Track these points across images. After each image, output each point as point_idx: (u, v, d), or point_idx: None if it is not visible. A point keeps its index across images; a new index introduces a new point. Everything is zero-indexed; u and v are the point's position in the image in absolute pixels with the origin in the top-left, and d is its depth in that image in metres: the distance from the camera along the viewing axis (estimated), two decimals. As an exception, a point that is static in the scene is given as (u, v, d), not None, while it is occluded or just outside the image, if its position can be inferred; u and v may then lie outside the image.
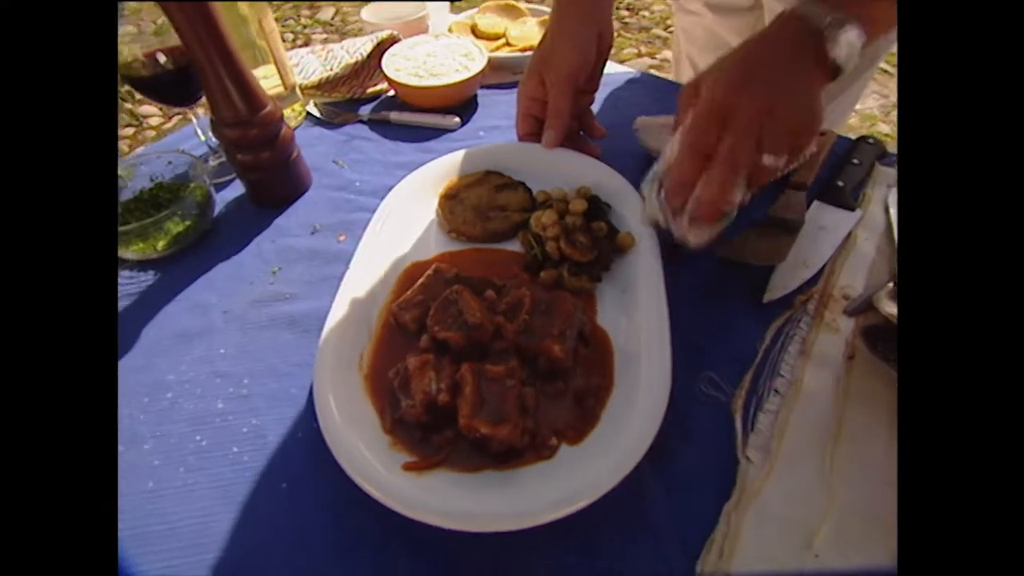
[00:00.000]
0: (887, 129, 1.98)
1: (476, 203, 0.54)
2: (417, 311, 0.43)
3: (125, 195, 0.58)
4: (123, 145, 2.11)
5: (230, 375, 0.44)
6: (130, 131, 2.25)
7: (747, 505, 0.33)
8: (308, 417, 0.40)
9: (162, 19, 0.51)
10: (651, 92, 0.74)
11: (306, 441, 0.39)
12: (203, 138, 0.64)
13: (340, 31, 3.08)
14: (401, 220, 0.53)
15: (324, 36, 3.04)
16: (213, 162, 0.64)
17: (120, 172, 0.59)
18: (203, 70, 0.48)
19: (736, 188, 0.37)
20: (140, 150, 0.68)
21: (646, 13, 2.96)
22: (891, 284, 0.46)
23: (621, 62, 2.66)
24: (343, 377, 0.39)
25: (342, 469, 0.34)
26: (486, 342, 0.41)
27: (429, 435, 0.36)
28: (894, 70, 2.24)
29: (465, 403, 0.36)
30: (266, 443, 0.39)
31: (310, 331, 0.46)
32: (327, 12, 3.28)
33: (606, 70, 0.59)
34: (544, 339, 0.39)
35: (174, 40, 0.53)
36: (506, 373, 0.37)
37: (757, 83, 0.37)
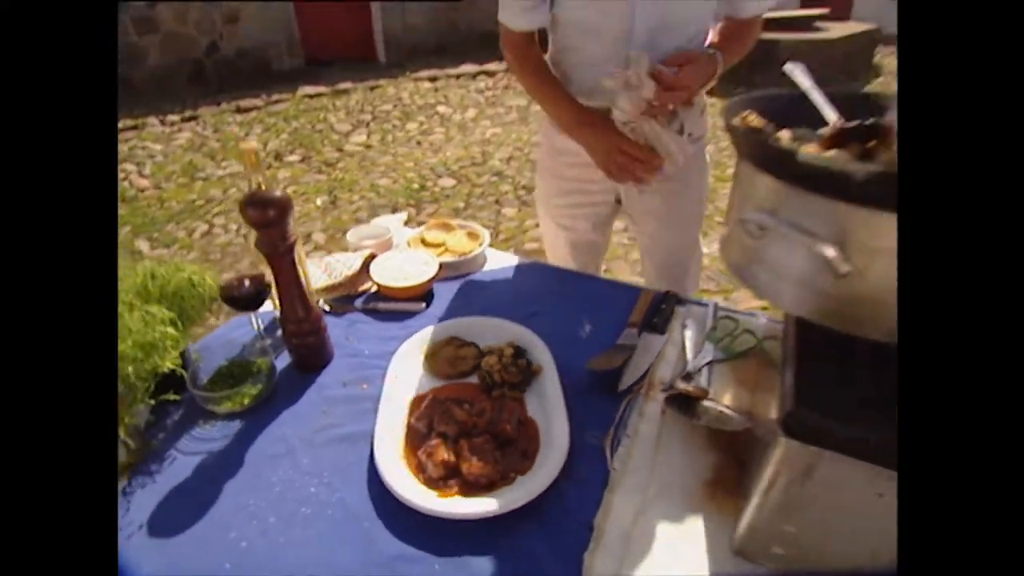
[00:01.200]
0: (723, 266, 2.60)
1: (447, 357, 0.89)
2: (426, 420, 0.75)
3: (206, 371, 0.86)
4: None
5: (314, 473, 0.72)
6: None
7: (615, 488, 0.66)
8: (373, 487, 0.69)
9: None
10: (547, 274, 1.16)
11: (373, 500, 0.67)
12: (255, 327, 0.95)
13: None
14: (402, 372, 0.86)
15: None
16: (261, 344, 0.95)
17: (194, 355, 0.88)
18: (282, 293, 0.83)
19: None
20: (203, 340, 0.97)
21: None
22: (683, 373, 0.84)
23: (524, 232, 3.20)
24: (392, 459, 0.69)
25: (402, 507, 0.63)
26: (469, 430, 0.73)
27: (446, 481, 0.67)
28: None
29: (465, 460, 0.67)
30: (348, 505, 0.67)
31: (358, 443, 0.75)
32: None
33: (502, 263, 1.00)
34: (500, 424, 0.72)
35: (252, 270, 0.88)
36: (484, 443, 0.69)
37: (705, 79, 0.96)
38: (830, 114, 0.67)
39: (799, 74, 0.79)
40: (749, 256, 0.60)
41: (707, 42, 1.08)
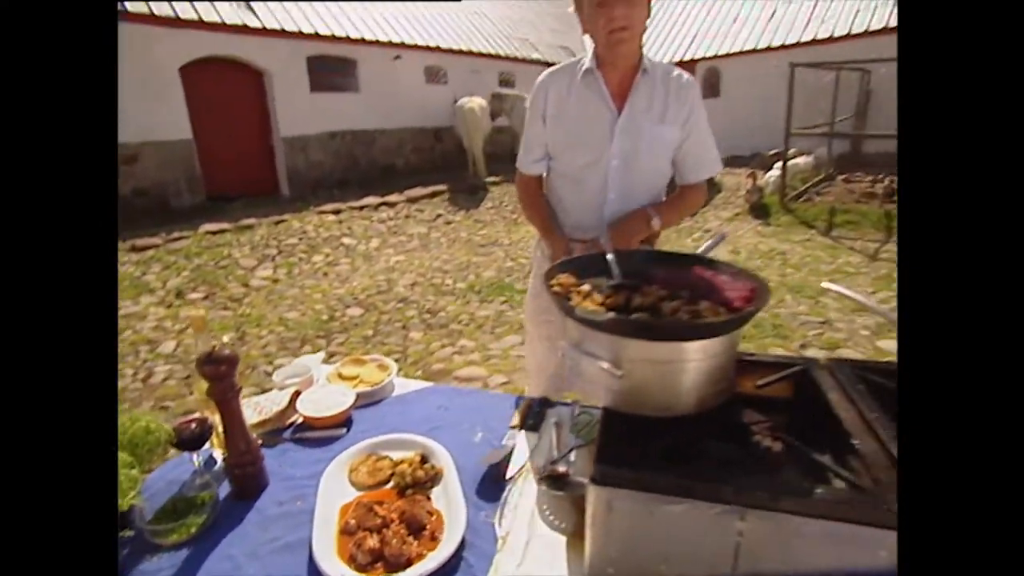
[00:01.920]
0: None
1: (367, 469, 1.10)
2: (355, 520, 0.94)
3: (152, 509, 1.00)
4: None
5: (261, 579, 0.87)
6: None
7: (502, 550, 0.89)
8: (311, 582, 0.86)
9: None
10: (443, 395, 1.42)
11: (313, 592, 0.85)
12: (196, 464, 1.10)
13: (183, 361, 3.49)
14: (331, 487, 1.05)
15: (168, 367, 3.42)
16: (202, 479, 1.09)
17: (143, 499, 1.01)
18: (228, 432, 1.01)
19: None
20: (146, 482, 1.10)
21: (443, 314, 4.00)
22: (553, 459, 1.11)
23: (431, 353, 3.45)
24: (328, 555, 0.88)
25: (338, 591, 0.82)
26: (389, 524, 0.93)
27: (373, 565, 0.86)
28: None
29: (387, 545, 0.87)
30: (293, 599, 0.83)
31: (297, 550, 0.92)
32: (168, 345, 3.70)
33: (408, 388, 1.26)
34: (413, 516, 0.94)
35: (196, 414, 1.06)
36: (401, 531, 0.90)
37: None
38: (615, 271, 1.05)
39: (604, 241, 1.18)
40: (571, 369, 0.91)
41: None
